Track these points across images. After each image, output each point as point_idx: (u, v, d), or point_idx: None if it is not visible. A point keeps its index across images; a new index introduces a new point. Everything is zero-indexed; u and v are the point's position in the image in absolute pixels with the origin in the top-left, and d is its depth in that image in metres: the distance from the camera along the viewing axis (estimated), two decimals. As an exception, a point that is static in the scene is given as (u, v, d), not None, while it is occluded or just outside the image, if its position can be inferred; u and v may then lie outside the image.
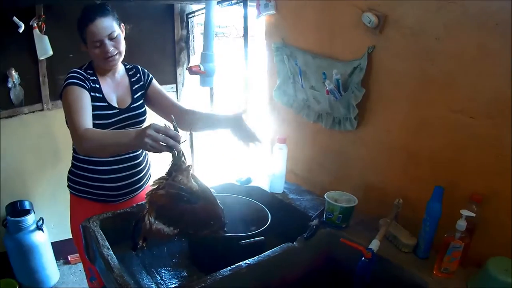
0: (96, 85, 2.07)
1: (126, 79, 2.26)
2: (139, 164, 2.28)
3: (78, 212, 2.24)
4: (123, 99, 2.19)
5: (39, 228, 3.50)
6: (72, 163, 2.26)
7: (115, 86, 2.18)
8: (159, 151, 1.56)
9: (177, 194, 1.60)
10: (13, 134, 3.54)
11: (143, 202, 1.96)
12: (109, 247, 1.68)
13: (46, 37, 3.35)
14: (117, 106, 2.14)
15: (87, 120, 1.87)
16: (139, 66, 2.34)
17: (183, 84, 4.31)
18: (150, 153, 1.65)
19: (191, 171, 1.67)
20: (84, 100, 1.94)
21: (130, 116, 2.18)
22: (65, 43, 3.46)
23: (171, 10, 4.09)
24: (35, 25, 3.31)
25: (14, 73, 3.39)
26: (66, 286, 3.68)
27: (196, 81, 3.29)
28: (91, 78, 2.07)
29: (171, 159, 1.64)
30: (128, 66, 2.29)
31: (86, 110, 1.92)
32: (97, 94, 2.05)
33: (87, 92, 1.98)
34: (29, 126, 3.62)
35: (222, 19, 3.56)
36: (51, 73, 3.61)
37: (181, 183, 1.62)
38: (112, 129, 2.08)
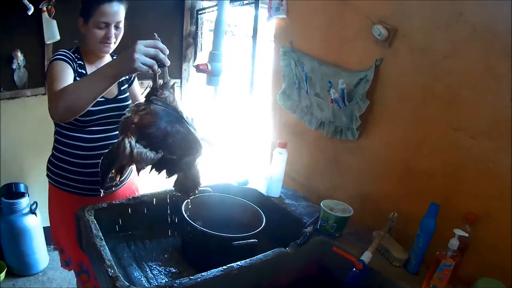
0: (83, 71, 2.05)
1: None
2: None
3: (56, 203, 2.24)
4: (109, 90, 2.14)
5: (32, 211, 3.51)
6: (52, 152, 2.21)
7: None
8: (151, 68, 1.48)
9: (164, 111, 1.51)
10: (14, 116, 3.54)
11: (139, 195, 1.96)
12: (102, 237, 1.67)
13: (54, 21, 3.35)
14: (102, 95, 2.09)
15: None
16: None
17: (187, 79, 4.31)
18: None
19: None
20: (68, 74, 1.91)
21: (117, 107, 2.14)
22: (73, 28, 3.44)
23: (181, 5, 4.09)
24: (45, 8, 3.30)
25: (19, 55, 3.38)
26: (55, 271, 3.68)
27: (201, 78, 3.29)
28: (78, 62, 2.04)
29: (152, 80, 1.55)
30: (114, 56, 2.26)
31: (68, 81, 1.87)
32: None
33: (72, 70, 1.95)
34: (30, 109, 3.61)
35: (231, 17, 3.56)
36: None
37: (168, 100, 1.55)
38: (97, 118, 2.06)
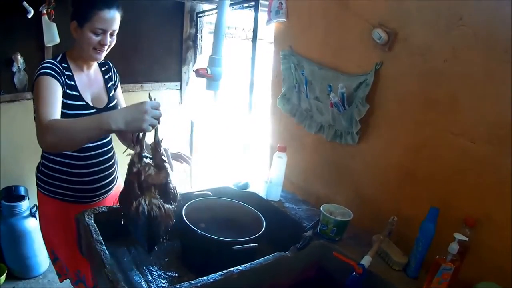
0: (72, 82, 1.97)
1: (100, 75, 2.19)
2: (113, 164, 2.25)
3: (50, 212, 2.18)
4: (98, 98, 2.11)
5: (32, 215, 3.50)
6: (42, 162, 2.18)
7: (89, 83, 2.10)
8: (153, 128, 1.57)
9: (165, 166, 1.63)
10: (14, 119, 3.52)
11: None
12: (103, 242, 1.67)
13: (54, 24, 3.34)
14: (93, 106, 2.05)
15: (55, 113, 1.74)
16: (110, 63, 2.28)
17: (187, 82, 4.30)
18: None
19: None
20: (56, 92, 1.82)
21: None
22: (73, 32, 3.48)
23: (181, 8, 4.09)
24: (44, 11, 3.29)
25: (19, 58, 3.38)
26: (55, 274, 3.65)
27: (201, 81, 3.28)
28: (66, 73, 1.95)
29: (141, 136, 1.65)
30: (100, 62, 2.19)
31: (56, 103, 1.79)
32: (74, 92, 1.97)
33: (60, 86, 1.86)
34: (30, 112, 3.53)
35: (231, 20, 3.55)
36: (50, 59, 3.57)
37: (165, 154, 1.67)
38: None
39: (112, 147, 2.27)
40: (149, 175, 1.56)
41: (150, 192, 1.54)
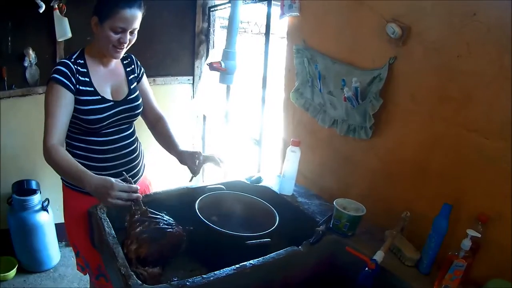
0: (86, 79, 1.99)
1: (121, 68, 2.19)
2: (137, 156, 2.24)
3: (72, 205, 2.18)
4: (118, 90, 2.12)
5: (44, 208, 3.51)
6: None
7: (108, 76, 2.11)
8: (120, 206, 1.69)
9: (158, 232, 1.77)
10: (26, 113, 3.54)
11: (152, 192, 1.96)
12: (115, 235, 1.69)
13: (66, 19, 3.34)
14: (111, 99, 2.06)
15: (59, 131, 1.88)
16: (133, 56, 2.28)
17: (200, 76, 4.29)
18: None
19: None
20: (65, 106, 1.90)
21: (127, 109, 2.11)
22: (85, 26, 3.46)
23: (193, 2, 4.08)
24: (56, 6, 3.30)
25: (31, 53, 3.40)
26: (66, 268, 3.70)
27: (214, 75, 3.27)
28: (81, 70, 1.98)
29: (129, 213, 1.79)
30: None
31: (63, 117, 1.89)
32: (87, 88, 1.99)
33: (70, 94, 1.91)
34: (42, 106, 3.59)
35: (243, 14, 3.54)
36: (68, 55, 3.57)
37: (152, 225, 1.78)
38: (108, 122, 2.04)
39: (135, 139, 2.27)
40: (130, 250, 1.67)
41: (134, 265, 1.64)
